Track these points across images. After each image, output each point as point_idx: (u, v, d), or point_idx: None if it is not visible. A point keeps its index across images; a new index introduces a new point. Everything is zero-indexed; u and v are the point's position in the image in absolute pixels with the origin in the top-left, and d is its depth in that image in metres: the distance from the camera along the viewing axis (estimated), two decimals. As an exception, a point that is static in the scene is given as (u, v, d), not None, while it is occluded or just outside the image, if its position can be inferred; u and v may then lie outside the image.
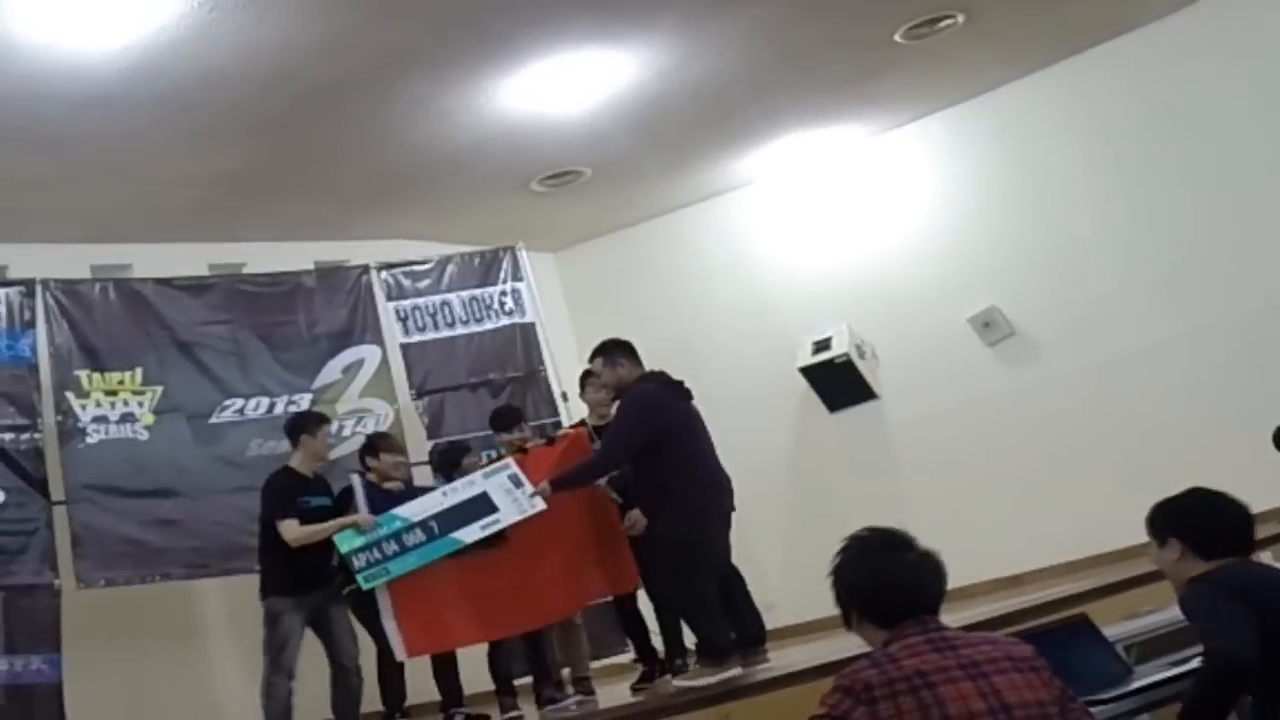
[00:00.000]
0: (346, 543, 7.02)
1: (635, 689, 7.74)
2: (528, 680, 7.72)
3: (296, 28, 7.07)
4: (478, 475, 7.31)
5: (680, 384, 7.22)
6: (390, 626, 7.11)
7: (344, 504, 7.35)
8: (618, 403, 7.32)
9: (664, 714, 6.28)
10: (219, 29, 6.86)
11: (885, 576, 3.19)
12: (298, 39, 7.20)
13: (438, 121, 8.74)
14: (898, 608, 3.15)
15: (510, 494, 7.22)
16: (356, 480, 7.41)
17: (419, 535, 7.07)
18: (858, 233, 11.02)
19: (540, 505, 7.22)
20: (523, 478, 7.27)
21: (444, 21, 7.47)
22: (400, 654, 7.21)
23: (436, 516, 7.14)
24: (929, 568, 3.21)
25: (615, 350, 7.32)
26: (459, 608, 7.29)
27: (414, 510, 7.14)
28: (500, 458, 8.14)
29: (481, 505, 7.18)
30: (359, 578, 6.98)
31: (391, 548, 7.02)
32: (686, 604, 6.95)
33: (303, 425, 7.64)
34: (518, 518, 7.22)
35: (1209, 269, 9.64)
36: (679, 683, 6.93)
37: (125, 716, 7.24)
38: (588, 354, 7.48)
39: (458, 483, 7.28)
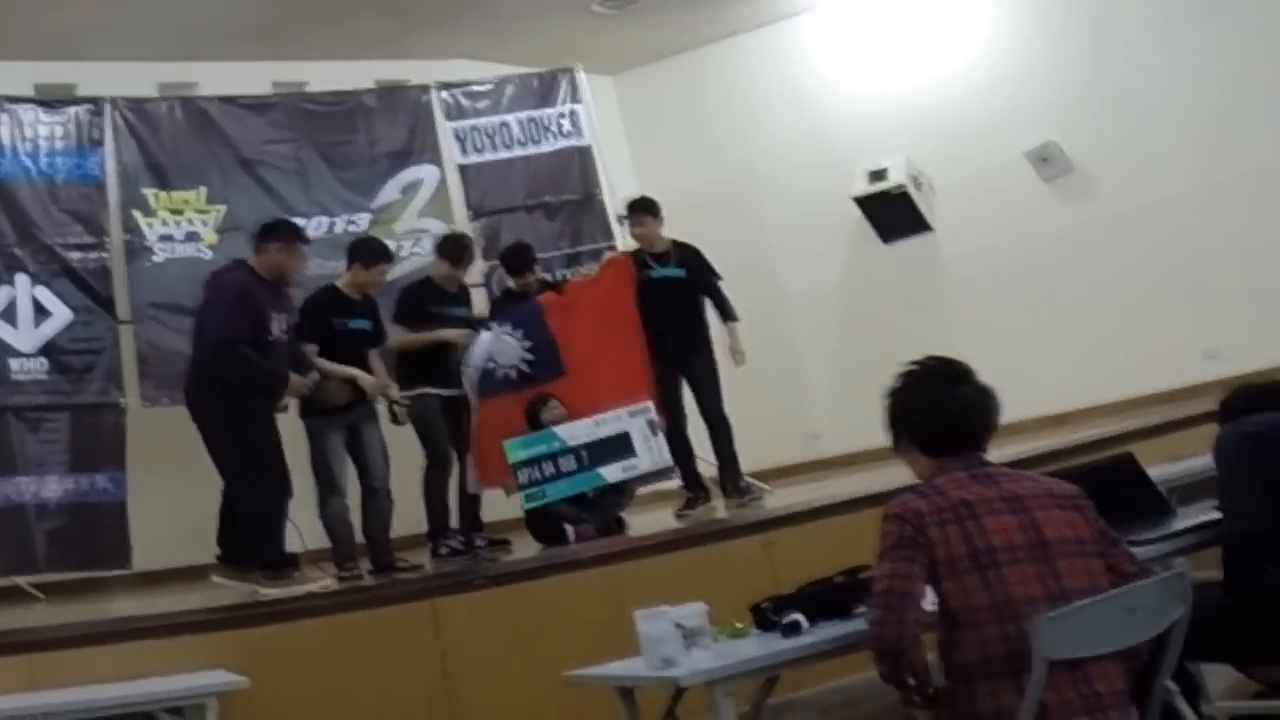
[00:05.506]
0: (515, 453, 7.27)
1: (679, 515, 7.97)
2: None
3: None
4: (624, 412, 7.46)
5: None
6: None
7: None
8: None
9: (709, 539, 6.46)
10: None
11: (939, 405, 3.30)
12: None
13: (500, -62, 8.65)
14: (946, 437, 3.28)
15: (647, 441, 7.42)
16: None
17: (572, 462, 7.29)
18: (916, 62, 10.85)
19: (669, 461, 7.56)
20: (658, 426, 7.48)
21: None
22: (473, 487, 7.73)
23: (587, 446, 7.34)
24: (982, 403, 3.30)
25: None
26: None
27: (569, 434, 7.35)
28: (554, 285, 8.42)
29: (623, 446, 7.38)
30: (522, 495, 7.25)
31: (549, 469, 7.26)
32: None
33: (359, 255, 7.30)
34: (650, 469, 7.44)
35: (1274, 107, 9.40)
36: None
37: (187, 535, 7.17)
38: (645, 178, 7.39)
39: (606, 415, 7.42)
